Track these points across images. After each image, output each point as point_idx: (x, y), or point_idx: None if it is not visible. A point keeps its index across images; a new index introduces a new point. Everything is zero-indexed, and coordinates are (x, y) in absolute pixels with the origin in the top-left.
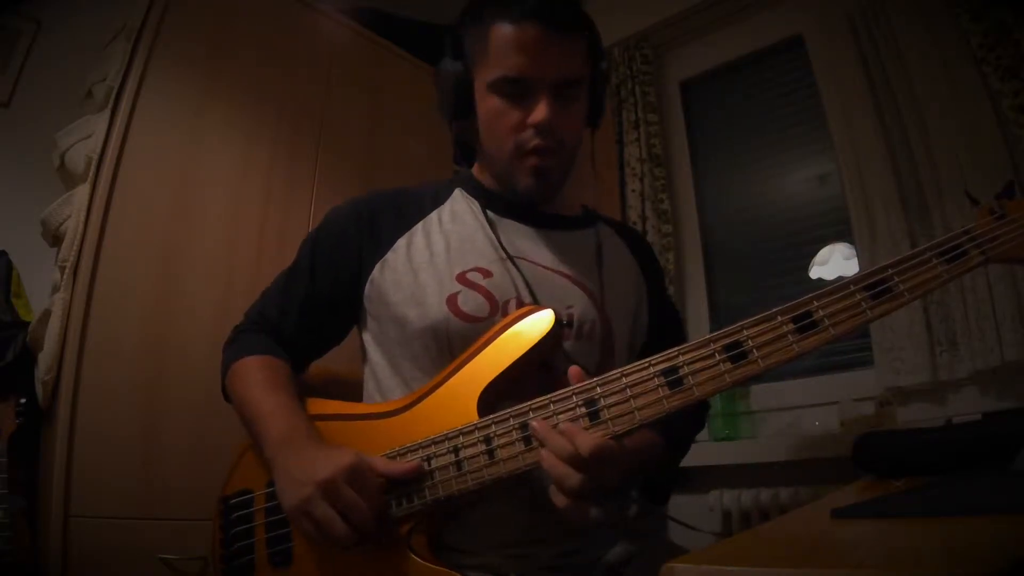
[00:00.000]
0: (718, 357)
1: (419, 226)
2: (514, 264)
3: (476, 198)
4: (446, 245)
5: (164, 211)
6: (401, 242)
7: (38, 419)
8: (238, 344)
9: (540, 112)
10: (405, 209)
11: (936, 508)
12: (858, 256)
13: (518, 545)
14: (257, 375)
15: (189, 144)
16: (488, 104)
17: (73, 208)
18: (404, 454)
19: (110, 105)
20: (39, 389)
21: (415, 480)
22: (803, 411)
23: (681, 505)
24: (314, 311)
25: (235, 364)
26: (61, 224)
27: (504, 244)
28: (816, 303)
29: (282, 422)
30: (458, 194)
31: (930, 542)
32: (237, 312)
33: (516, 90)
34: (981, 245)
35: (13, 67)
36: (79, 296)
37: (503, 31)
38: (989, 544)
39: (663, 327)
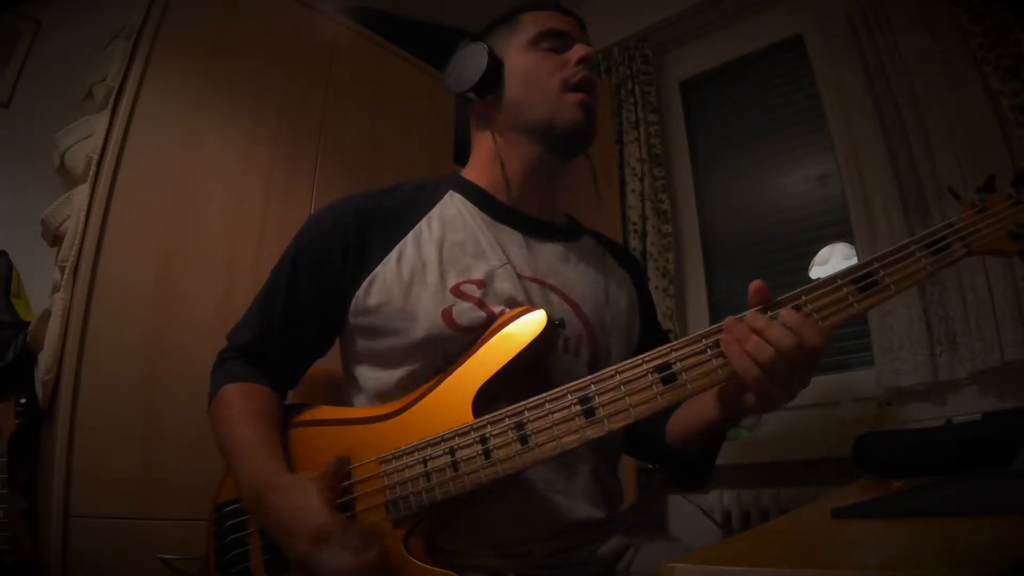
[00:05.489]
0: (710, 353)
1: (409, 236)
2: (510, 274)
3: (471, 201)
4: (438, 255)
5: (164, 211)
6: (392, 255)
7: (38, 419)
8: (220, 371)
9: (581, 48)
10: (394, 218)
11: (936, 508)
12: (858, 256)
13: (514, 544)
14: (232, 407)
15: (189, 144)
16: (526, 60)
17: (73, 208)
18: (400, 456)
19: (110, 105)
20: (39, 389)
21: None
22: (803, 411)
23: (681, 505)
24: (296, 328)
25: (215, 393)
26: (61, 224)
27: (498, 253)
28: (804, 297)
29: (249, 466)
30: (449, 196)
31: (930, 542)
32: (237, 312)
33: (556, 41)
34: (964, 237)
35: (13, 67)
36: (79, 296)
37: (535, 11)
38: (989, 544)
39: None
